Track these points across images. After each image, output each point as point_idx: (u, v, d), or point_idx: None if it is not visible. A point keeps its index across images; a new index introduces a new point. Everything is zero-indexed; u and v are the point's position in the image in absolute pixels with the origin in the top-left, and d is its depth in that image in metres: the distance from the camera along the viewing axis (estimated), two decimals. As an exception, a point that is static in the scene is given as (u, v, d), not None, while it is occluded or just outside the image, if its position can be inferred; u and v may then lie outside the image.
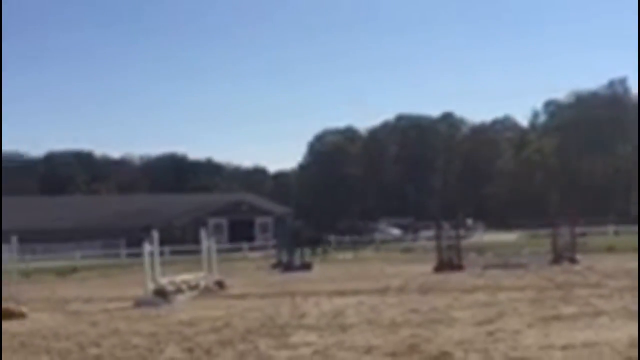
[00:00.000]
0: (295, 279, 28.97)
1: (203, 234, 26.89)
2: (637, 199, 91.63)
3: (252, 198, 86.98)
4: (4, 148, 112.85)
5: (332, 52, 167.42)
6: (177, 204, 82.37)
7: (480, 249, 39.74)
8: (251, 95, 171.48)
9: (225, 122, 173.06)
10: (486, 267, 29.20)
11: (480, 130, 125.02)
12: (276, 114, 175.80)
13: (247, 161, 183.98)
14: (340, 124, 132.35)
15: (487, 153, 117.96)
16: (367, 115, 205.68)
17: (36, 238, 60.64)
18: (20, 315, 18.50)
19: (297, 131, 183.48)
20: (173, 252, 48.46)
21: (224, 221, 74.61)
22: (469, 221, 71.16)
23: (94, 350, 12.79)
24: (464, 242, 37.03)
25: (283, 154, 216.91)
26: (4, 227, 51.97)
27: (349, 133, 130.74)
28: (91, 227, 73.86)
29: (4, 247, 20.97)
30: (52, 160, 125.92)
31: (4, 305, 18.80)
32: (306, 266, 34.96)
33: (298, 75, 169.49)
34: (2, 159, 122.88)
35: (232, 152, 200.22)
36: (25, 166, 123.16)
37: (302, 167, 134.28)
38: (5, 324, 17.37)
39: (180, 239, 58.20)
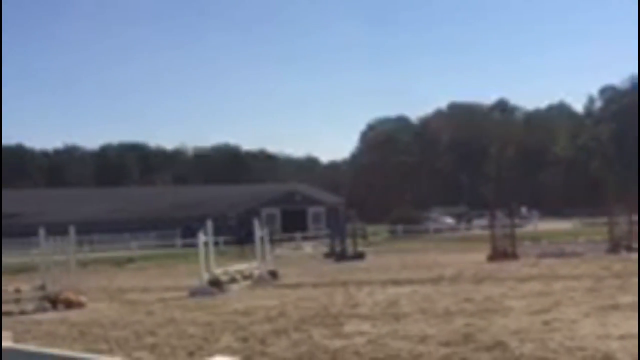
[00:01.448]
0: (349, 268, 28.99)
1: (256, 224, 27.06)
2: None
3: (305, 188, 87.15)
4: (61, 141, 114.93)
5: (384, 40, 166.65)
6: (230, 195, 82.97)
7: (535, 238, 39.28)
8: (303, 85, 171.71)
9: (277, 113, 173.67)
10: (541, 255, 28.84)
11: (535, 117, 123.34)
12: (328, 103, 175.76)
13: (300, 151, 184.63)
14: (392, 113, 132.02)
15: (542, 140, 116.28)
16: (419, 103, 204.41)
17: (93, 229, 61.80)
18: (80, 305, 18.89)
19: (350, 121, 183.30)
20: (227, 243, 48.85)
21: (276, 211, 74.92)
22: (523, 209, 70.32)
23: (150, 339, 12.99)
24: (519, 231, 36.62)
25: (335, 144, 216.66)
26: (62, 218, 52.94)
27: (401, 122, 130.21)
28: (147, 218, 74.87)
29: (62, 238, 21.35)
30: (107, 152, 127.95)
31: (64, 294, 19.21)
32: (359, 255, 34.92)
33: (350, 65, 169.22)
34: (59, 152, 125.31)
35: (284, 143, 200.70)
36: (82, 159, 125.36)
37: (354, 157, 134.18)
38: (65, 313, 17.77)
39: (234, 229, 58.64)
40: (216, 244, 29.45)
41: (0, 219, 62.88)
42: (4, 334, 5.28)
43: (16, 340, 5.43)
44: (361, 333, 12.33)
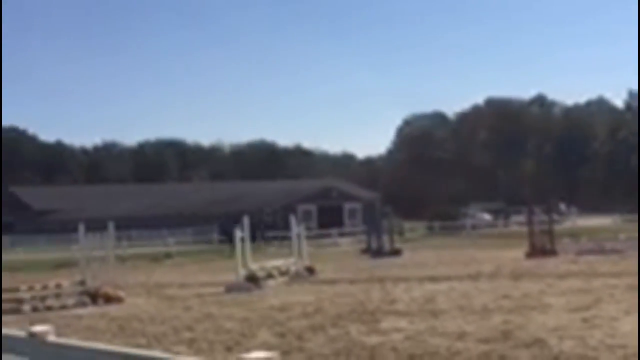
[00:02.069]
0: (385, 264, 28.94)
1: (293, 220, 27.12)
2: None
3: (341, 184, 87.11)
4: (100, 137, 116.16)
5: (421, 37, 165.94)
6: (266, 191, 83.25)
7: (574, 234, 38.83)
8: (339, 82, 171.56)
9: (313, 109, 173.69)
10: (580, 252, 28.53)
11: (574, 112, 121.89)
12: (364, 99, 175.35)
13: (336, 147, 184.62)
14: (429, 108, 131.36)
15: (581, 135, 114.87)
16: (456, 99, 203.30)
17: (131, 225, 62.38)
18: (118, 300, 19.08)
19: (386, 117, 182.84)
20: (264, 239, 48.98)
21: (313, 207, 74.98)
22: (562, 205, 69.64)
23: (188, 334, 13.09)
24: (557, 227, 36.26)
25: (371, 140, 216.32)
26: (100, 214, 53.56)
27: (438, 118, 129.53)
28: (184, 213, 75.43)
29: (101, 234, 21.61)
30: (145, 149, 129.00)
31: (103, 289, 19.43)
32: (396, 252, 34.81)
33: (386, 61, 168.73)
34: (98, 149, 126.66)
35: (320, 139, 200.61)
36: (120, 155, 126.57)
37: (391, 153, 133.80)
38: (104, 308, 17.98)
39: (270, 225, 58.83)
40: (253, 240, 29.57)
41: (0, 213, 63.89)
42: (46, 328, 5.37)
43: (58, 335, 5.51)
44: (398, 329, 12.31)
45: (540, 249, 29.00)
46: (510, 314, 13.38)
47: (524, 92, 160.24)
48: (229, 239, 36.25)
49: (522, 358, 9.59)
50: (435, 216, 65.37)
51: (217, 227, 63.86)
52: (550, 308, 13.85)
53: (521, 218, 62.79)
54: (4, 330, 6.50)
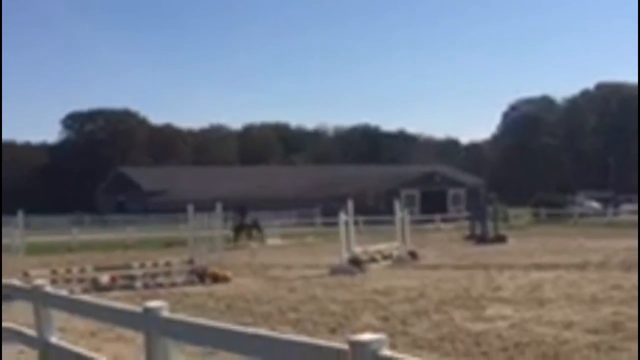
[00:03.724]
0: (489, 251, 28.58)
1: (397, 205, 27.09)
2: None
3: (445, 169, 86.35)
4: (207, 120, 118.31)
5: (526, 20, 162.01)
6: (370, 175, 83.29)
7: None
8: (443, 65, 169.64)
9: (417, 93, 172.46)
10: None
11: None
12: (469, 84, 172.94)
13: (440, 132, 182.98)
14: (536, 93, 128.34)
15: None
16: (564, 84, 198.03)
17: (236, 206, 63.45)
18: (225, 279, 19.51)
19: (491, 101, 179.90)
20: (366, 222, 49.12)
21: (416, 192, 74.66)
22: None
23: (293, 315, 13.28)
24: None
25: (476, 125, 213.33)
26: (207, 195, 54.78)
27: (545, 102, 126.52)
28: (287, 196, 76.34)
29: (209, 214, 22.15)
30: (250, 132, 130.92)
31: (211, 269, 19.91)
32: (500, 239, 34.33)
33: (491, 45, 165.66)
34: (205, 131, 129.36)
35: (424, 124, 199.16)
36: (226, 138, 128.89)
37: (496, 138, 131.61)
38: (211, 287, 18.43)
39: (373, 209, 58.89)
40: (356, 223, 29.68)
41: (1, 199, 66.00)
42: (162, 304, 5.55)
43: (172, 311, 5.69)
44: (503, 317, 12.16)
45: (652, 239, 27.95)
46: (621, 305, 13.01)
47: (635, 76, 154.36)
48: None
49: (633, 350, 9.31)
50: (541, 203, 63.94)
51: (320, 210, 64.38)
52: (663, 300, 13.37)
53: (632, 207, 60.86)
54: (124, 306, 6.76)
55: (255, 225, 41.97)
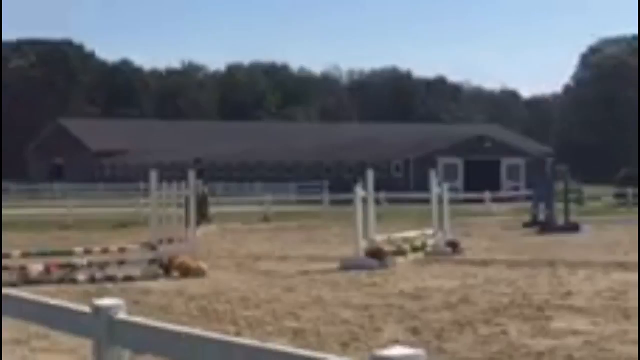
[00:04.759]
0: (558, 243, 28.60)
1: (432, 177, 27.05)
2: None
3: (499, 132, 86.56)
4: (177, 58, 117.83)
5: None
6: (396, 137, 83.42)
7: None
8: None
9: (460, 31, 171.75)
10: None
11: None
12: (532, 18, 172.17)
13: (492, 82, 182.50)
14: (625, 32, 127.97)
15: None
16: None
17: (216, 175, 63.37)
18: (199, 273, 19.50)
19: (563, 42, 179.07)
20: (391, 201, 49.21)
21: (459, 161, 74.70)
22: None
23: (291, 323, 13.33)
24: None
25: (542, 73, 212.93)
26: (176, 158, 54.88)
27: (637, 44, 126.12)
28: (285, 163, 76.42)
29: (178, 184, 22.10)
30: (235, 75, 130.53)
31: (179, 258, 19.87)
32: (572, 227, 34.41)
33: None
34: (174, 72, 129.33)
35: (471, 70, 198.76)
36: (203, 82, 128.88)
37: (569, 91, 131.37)
38: (180, 282, 18.47)
39: (400, 183, 58.96)
40: (376, 202, 29.70)
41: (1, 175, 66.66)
42: (117, 302, 5.56)
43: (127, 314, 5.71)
44: (575, 332, 12.22)
45: None
46: None
47: None
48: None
49: None
50: (628, 181, 63.92)
51: (327, 182, 64.51)
52: None
53: None
54: (64, 304, 6.78)
55: (203, 198, 40.48)
